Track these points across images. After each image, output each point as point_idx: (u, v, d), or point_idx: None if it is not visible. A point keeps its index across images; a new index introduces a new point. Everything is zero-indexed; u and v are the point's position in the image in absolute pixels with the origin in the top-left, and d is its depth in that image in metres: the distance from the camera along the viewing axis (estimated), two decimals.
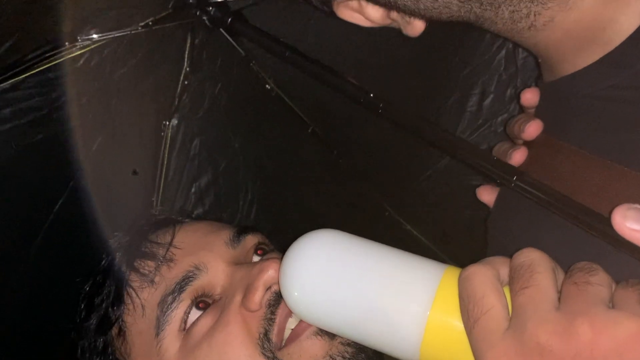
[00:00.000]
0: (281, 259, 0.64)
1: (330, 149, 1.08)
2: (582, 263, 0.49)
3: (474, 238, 1.17)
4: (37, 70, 0.75)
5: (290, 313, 0.67)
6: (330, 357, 0.65)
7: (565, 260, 0.51)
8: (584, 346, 0.43)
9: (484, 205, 0.85)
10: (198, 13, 0.87)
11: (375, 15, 0.68)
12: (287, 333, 0.67)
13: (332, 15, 0.71)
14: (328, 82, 0.81)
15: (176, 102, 0.93)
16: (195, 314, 0.71)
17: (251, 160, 1.04)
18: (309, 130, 1.04)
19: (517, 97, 1.02)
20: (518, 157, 0.72)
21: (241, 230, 0.78)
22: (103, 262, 0.79)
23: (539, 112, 0.75)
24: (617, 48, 0.61)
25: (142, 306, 0.72)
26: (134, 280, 0.74)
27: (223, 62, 0.95)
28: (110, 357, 0.75)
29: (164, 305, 0.70)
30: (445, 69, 1.04)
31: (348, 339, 0.65)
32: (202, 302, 0.71)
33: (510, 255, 0.52)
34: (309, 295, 0.59)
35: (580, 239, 0.60)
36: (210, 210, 1.01)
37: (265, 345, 0.66)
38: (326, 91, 0.83)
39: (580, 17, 0.60)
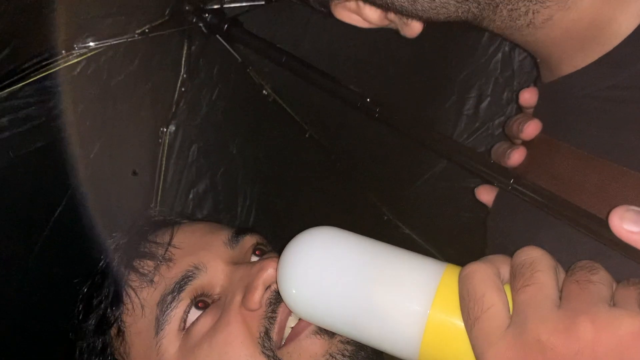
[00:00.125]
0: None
1: (327, 154, 1.08)
2: (584, 262, 0.49)
3: (473, 240, 1.17)
4: (34, 78, 0.75)
5: (290, 311, 0.66)
6: (330, 355, 0.65)
7: (565, 261, 0.51)
8: (586, 344, 0.43)
9: (482, 208, 0.85)
10: (194, 20, 0.87)
11: (372, 16, 0.68)
12: (287, 332, 0.67)
13: (330, 16, 0.71)
14: (325, 88, 0.81)
15: (173, 109, 0.93)
16: (194, 313, 0.71)
17: (249, 165, 1.04)
18: (307, 135, 1.05)
19: (514, 99, 1.03)
20: (517, 157, 0.72)
21: (240, 231, 0.78)
22: (102, 262, 0.79)
23: (538, 112, 0.75)
24: (615, 48, 0.61)
25: (142, 306, 0.72)
26: (133, 280, 0.73)
27: (220, 69, 0.95)
28: (109, 358, 0.75)
29: (164, 304, 0.70)
30: (442, 73, 1.04)
31: (347, 337, 0.64)
32: (202, 302, 0.71)
33: (509, 254, 0.52)
34: (308, 294, 0.58)
35: (579, 240, 0.59)
36: (208, 216, 1.01)
37: (265, 344, 0.65)
38: (323, 96, 0.83)
39: (579, 16, 0.60)
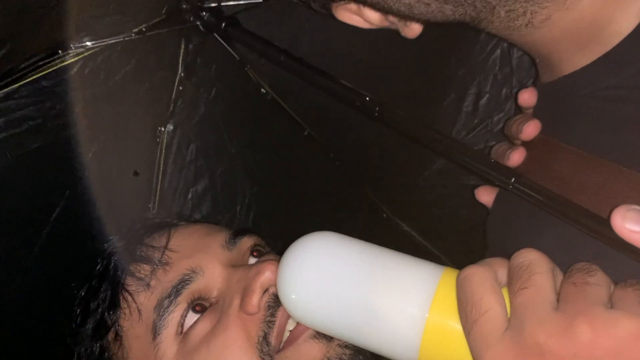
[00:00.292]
0: (278, 260, 0.63)
1: (326, 152, 1.07)
2: (581, 264, 0.49)
3: (472, 237, 1.17)
4: (30, 79, 0.75)
5: (289, 315, 0.66)
6: (328, 359, 0.65)
7: (565, 260, 0.51)
8: (583, 346, 0.43)
9: (481, 205, 0.85)
10: (192, 18, 0.87)
11: (373, 17, 0.68)
12: (285, 335, 0.67)
13: (331, 17, 0.71)
14: (323, 87, 0.81)
15: (171, 108, 0.93)
16: (192, 317, 0.71)
17: (248, 164, 1.03)
18: (305, 133, 1.04)
19: (513, 96, 1.03)
20: (516, 157, 0.72)
21: (237, 233, 0.78)
22: (98, 266, 0.78)
23: (537, 112, 0.75)
24: (615, 47, 0.61)
25: (139, 310, 0.72)
26: (130, 284, 0.73)
27: (218, 67, 0.94)
28: None
29: (161, 309, 0.70)
30: (441, 70, 1.04)
31: (346, 342, 0.64)
32: (199, 305, 0.71)
33: (509, 255, 0.52)
34: (306, 298, 0.59)
35: (580, 239, 0.59)
36: (207, 215, 1.00)
37: (264, 349, 0.65)
38: (322, 94, 0.83)
39: (579, 16, 0.60)
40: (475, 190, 0.82)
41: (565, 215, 0.61)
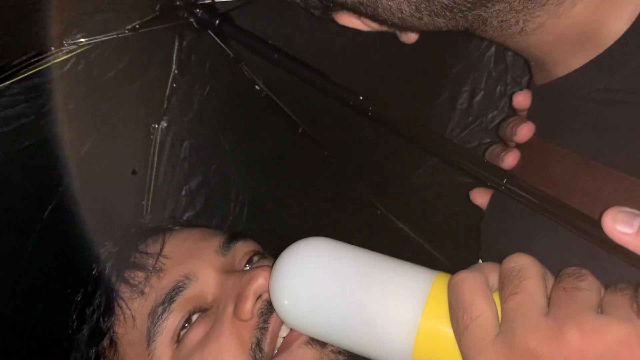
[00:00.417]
0: (272, 266, 0.63)
1: (321, 149, 1.07)
2: (571, 268, 0.49)
3: (466, 234, 1.18)
4: (23, 76, 0.75)
5: (282, 321, 0.66)
6: None
7: (558, 262, 0.52)
8: (573, 351, 0.43)
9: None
10: (185, 15, 0.86)
11: (372, 23, 0.68)
12: (279, 342, 0.67)
13: (329, 20, 0.71)
14: (317, 86, 0.81)
15: (165, 105, 0.92)
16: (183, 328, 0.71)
17: (242, 161, 1.03)
18: (300, 131, 1.04)
19: (507, 94, 1.03)
20: (510, 159, 0.72)
21: (231, 238, 0.78)
22: (93, 272, 0.78)
23: (531, 114, 0.75)
24: (607, 50, 0.61)
25: (133, 317, 0.72)
26: (124, 291, 0.73)
27: (212, 64, 0.94)
28: None
29: (154, 316, 0.70)
30: (436, 67, 1.04)
31: (339, 347, 0.65)
32: (186, 320, 0.71)
33: (504, 257, 0.52)
34: (300, 304, 0.59)
35: (574, 241, 0.60)
36: (201, 212, 1.00)
37: (257, 356, 0.66)
38: (316, 91, 0.83)
39: (572, 21, 0.60)
40: (470, 192, 0.82)
41: (556, 216, 0.62)
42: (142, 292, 0.72)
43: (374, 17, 0.63)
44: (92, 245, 0.81)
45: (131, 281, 0.73)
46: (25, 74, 0.75)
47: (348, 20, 0.69)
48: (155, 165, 0.94)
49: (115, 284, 0.74)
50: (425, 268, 0.57)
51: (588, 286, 0.47)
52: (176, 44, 0.89)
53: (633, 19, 0.59)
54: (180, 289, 0.71)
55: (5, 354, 0.79)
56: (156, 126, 0.92)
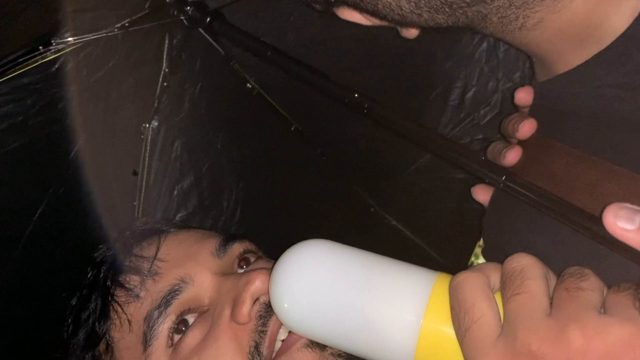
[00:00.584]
0: (269, 267, 0.63)
1: (314, 147, 1.07)
2: (574, 268, 0.49)
3: (459, 230, 1.18)
4: (10, 76, 0.73)
5: (281, 324, 0.66)
6: None
7: (560, 260, 0.52)
8: (576, 352, 0.43)
9: (469, 198, 0.85)
10: (176, 13, 0.85)
11: (374, 17, 0.68)
12: (277, 345, 0.67)
13: (329, 14, 0.71)
14: (311, 83, 0.80)
15: (156, 104, 0.91)
16: (180, 332, 0.70)
17: (234, 160, 1.02)
18: (292, 128, 1.03)
19: (499, 90, 1.03)
20: (512, 156, 0.72)
21: (227, 239, 0.77)
22: (88, 275, 0.77)
23: (533, 111, 0.75)
24: (609, 46, 0.61)
25: (129, 321, 0.71)
26: (120, 295, 0.73)
27: (203, 62, 0.93)
28: None
29: (150, 320, 0.69)
30: (428, 63, 1.03)
31: (339, 350, 0.64)
32: (182, 323, 0.70)
33: (505, 254, 0.52)
34: (300, 307, 0.58)
35: (575, 239, 0.60)
36: (193, 212, 0.99)
37: (255, 359, 0.65)
38: (308, 89, 0.82)
39: (571, 17, 0.60)
40: (472, 188, 0.82)
41: (556, 213, 0.62)
42: (137, 296, 0.71)
43: (374, 13, 0.63)
44: (85, 247, 0.80)
45: (127, 285, 0.72)
46: (13, 74, 0.74)
47: (349, 14, 0.69)
48: (146, 165, 0.93)
49: (110, 288, 0.73)
50: (426, 269, 0.57)
51: (590, 286, 0.46)
52: (166, 42, 0.88)
53: (634, 15, 0.59)
54: (177, 292, 0.70)
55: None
56: (147, 125, 0.91)
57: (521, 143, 0.75)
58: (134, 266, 0.73)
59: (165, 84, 0.90)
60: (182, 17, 0.85)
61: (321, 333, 0.59)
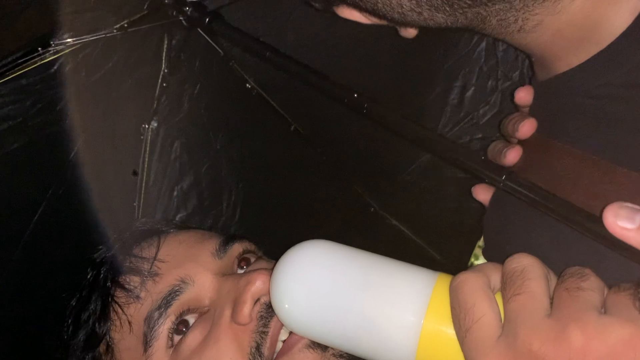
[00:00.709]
0: (269, 267, 0.63)
1: (313, 147, 1.07)
2: (574, 268, 0.49)
3: (460, 230, 1.18)
4: (9, 77, 0.73)
5: (282, 325, 0.66)
6: None
7: (560, 260, 0.51)
8: (576, 352, 0.43)
9: (468, 198, 0.85)
10: (175, 13, 0.85)
11: (373, 16, 0.68)
12: (278, 346, 0.67)
13: (332, 14, 0.71)
14: (311, 83, 0.80)
15: (155, 105, 0.91)
16: (180, 333, 0.70)
17: (233, 160, 1.02)
18: (292, 129, 1.03)
19: (498, 89, 1.03)
20: (512, 156, 0.72)
21: (227, 240, 0.77)
22: (88, 276, 0.77)
23: (533, 110, 0.75)
24: (609, 46, 0.61)
25: (129, 322, 0.71)
26: (120, 296, 0.72)
27: (202, 63, 0.93)
28: None
29: (151, 321, 0.69)
30: (427, 63, 1.03)
31: (341, 351, 0.64)
32: (182, 324, 0.70)
33: (506, 254, 0.52)
34: (300, 307, 0.58)
35: (574, 240, 0.60)
36: (193, 213, 0.99)
37: None
38: (308, 89, 0.82)
39: (570, 18, 0.60)
40: (472, 188, 0.82)
41: (557, 212, 0.61)
42: (137, 297, 0.71)
43: (373, 12, 0.63)
44: (85, 248, 0.80)
45: (127, 286, 0.72)
46: (12, 75, 0.74)
47: (349, 13, 0.69)
48: (146, 165, 0.93)
49: (110, 289, 0.73)
50: (426, 269, 0.57)
51: (591, 286, 0.46)
52: (165, 42, 0.88)
53: (634, 15, 0.59)
54: (177, 293, 0.70)
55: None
56: (146, 126, 0.91)
57: (521, 143, 0.75)
58: (134, 267, 0.73)
59: (164, 84, 0.90)
60: (181, 18, 0.85)
61: (322, 333, 0.59)
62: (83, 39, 0.78)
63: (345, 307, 0.56)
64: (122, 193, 0.92)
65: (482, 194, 0.80)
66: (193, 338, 0.68)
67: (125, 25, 0.81)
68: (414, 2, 0.57)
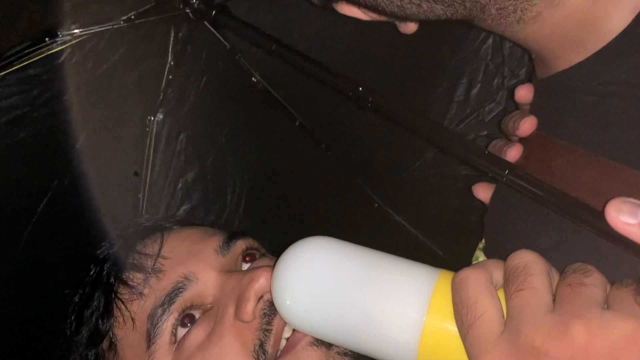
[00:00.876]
0: (272, 264, 0.62)
1: (318, 142, 1.07)
2: (577, 264, 0.48)
3: (463, 227, 1.18)
4: (16, 67, 0.74)
5: (285, 322, 0.65)
6: None
7: (562, 257, 0.51)
8: (579, 349, 0.43)
9: (472, 195, 0.85)
10: (181, 6, 0.85)
11: (372, 12, 0.68)
12: (282, 343, 0.66)
13: (331, 10, 0.71)
14: (316, 77, 0.80)
15: (161, 97, 0.91)
16: (184, 328, 0.70)
17: (238, 154, 1.02)
18: (297, 123, 1.03)
19: (505, 86, 1.03)
20: (513, 154, 0.72)
21: (231, 237, 0.77)
22: (91, 272, 0.77)
23: (534, 108, 0.75)
24: (609, 44, 0.61)
25: (132, 319, 0.71)
26: (123, 292, 0.72)
27: (208, 56, 0.93)
28: None
29: (154, 317, 0.69)
30: (433, 60, 1.03)
31: (345, 348, 0.64)
32: (188, 317, 0.70)
33: (507, 252, 0.52)
34: (302, 305, 0.58)
35: (576, 237, 0.60)
36: (197, 206, 0.99)
37: (260, 357, 0.64)
38: (313, 83, 0.82)
39: (569, 13, 0.60)
40: (473, 186, 0.82)
41: (559, 207, 0.61)
42: (141, 294, 0.71)
43: (373, 7, 0.63)
44: (89, 242, 0.80)
45: (130, 282, 0.72)
46: (19, 65, 0.74)
47: (348, 9, 0.69)
48: (151, 158, 0.93)
49: (113, 285, 0.73)
50: (428, 266, 0.57)
51: (593, 282, 0.46)
52: (172, 35, 0.88)
53: (635, 13, 0.59)
54: (180, 290, 0.70)
55: (3, 357, 0.78)
56: (152, 118, 0.91)
57: (522, 140, 0.75)
58: (137, 263, 0.73)
59: (170, 76, 0.90)
60: (187, 10, 0.85)
61: (323, 330, 0.59)
62: (90, 30, 0.79)
63: (347, 304, 0.56)
64: (127, 185, 0.92)
65: (483, 192, 0.80)
66: (196, 335, 0.68)
67: (133, 17, 0.81)
68: None
